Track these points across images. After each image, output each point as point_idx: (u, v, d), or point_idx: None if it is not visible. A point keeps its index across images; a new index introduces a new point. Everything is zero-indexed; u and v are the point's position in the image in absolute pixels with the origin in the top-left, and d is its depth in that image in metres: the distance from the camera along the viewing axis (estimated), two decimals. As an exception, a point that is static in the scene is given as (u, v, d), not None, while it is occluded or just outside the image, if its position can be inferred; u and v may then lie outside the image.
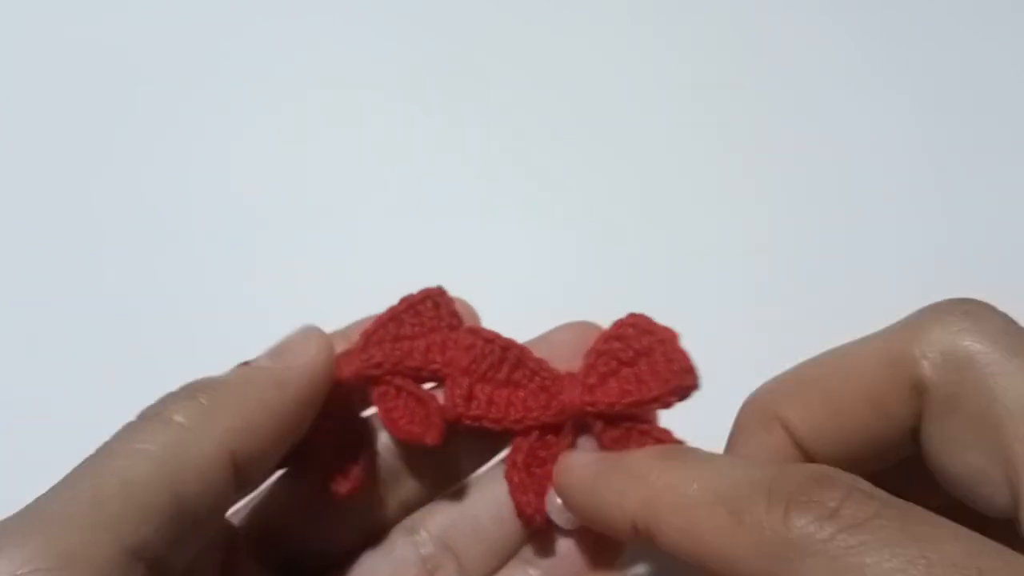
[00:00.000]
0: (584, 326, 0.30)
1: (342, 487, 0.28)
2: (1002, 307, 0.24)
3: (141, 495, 0.22)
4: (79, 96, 0.48)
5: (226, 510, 0.24)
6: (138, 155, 0.47)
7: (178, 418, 0.23)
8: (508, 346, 0.29)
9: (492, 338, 0.29)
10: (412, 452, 0.29)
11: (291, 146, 0.48)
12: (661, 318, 0.29)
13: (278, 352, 0.26)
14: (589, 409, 0.28)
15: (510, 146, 0.48)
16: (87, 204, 0.45)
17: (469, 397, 0.28)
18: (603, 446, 0.29)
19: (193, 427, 0.23)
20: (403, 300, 0.30)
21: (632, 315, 0.29)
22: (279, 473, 0.30)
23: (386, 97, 0.50)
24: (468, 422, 0.28)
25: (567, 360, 0.29)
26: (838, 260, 0.46)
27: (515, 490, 0.28)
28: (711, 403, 0.38)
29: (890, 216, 0.47)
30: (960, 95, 0.50)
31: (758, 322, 0.43)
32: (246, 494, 0.25)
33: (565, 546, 0.28)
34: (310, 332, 0.27)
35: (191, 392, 0.24)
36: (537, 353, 0.29)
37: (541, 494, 0.28)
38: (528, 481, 0.28)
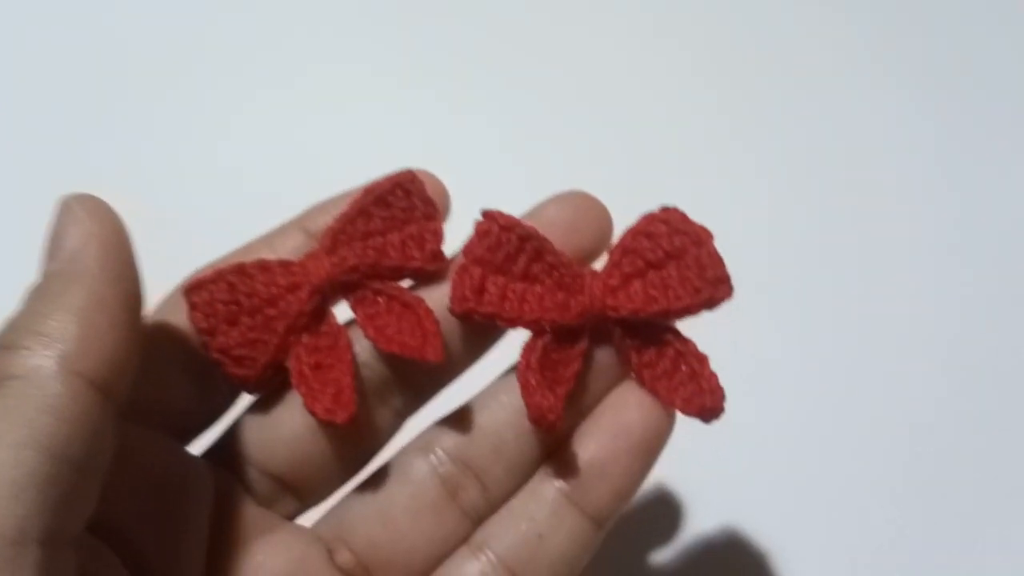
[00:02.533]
0: (578, 197, 0.27)
1: (338, 415, 0.25)
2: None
3: (5, 472, 0.19)
4: (76, 77, 0.45)
5: (112, 440, 0.21)
6: (133, 140, 0.44)
7: (13, 379, 0.20)
8: (527, 236, 0.26)
9: (511, 226, 0.26)
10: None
11: (285, 121, 0.45)
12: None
13: (53, 249, 0.22)
14: (611, 314, 0.26)
15: (512, 139, 0.45)
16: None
17: (481, 290, 0.26)
18: (625, 359, 0.26)
19: (28, 376, 0.20)
20: (368, 190, 0.27)
21: (665, 209, 0.27)
22: (254, 403, 0.27)
23: (387, 86, 0.47)
24: (478, 318, 0.26)
25: (561, 237, 0.26)
26: (847, 256, 0.44)
27: (530, 392, 0.25)
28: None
29: (900, 209, 0.45)
30: (970, 88, 0.48)
31: (763, 316, 0.41)
32: (124, 405, 0.21)
33: (589, 457, 0.26)
34: (72, 206, 0.22)
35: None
36: None
37: (556, 397, 0.25)
38: (542, 382, 0.25)
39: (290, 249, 0.27)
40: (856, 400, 0.40)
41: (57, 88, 0.45)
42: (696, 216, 0.26)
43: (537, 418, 0.25)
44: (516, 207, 0.27)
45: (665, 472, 0.35)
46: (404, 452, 0.27)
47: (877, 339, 0.41)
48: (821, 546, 0.37)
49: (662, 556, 0.36)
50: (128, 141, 0.44)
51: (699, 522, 0.37)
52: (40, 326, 0.20)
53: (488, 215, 0.26)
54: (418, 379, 0.27)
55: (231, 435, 0.26)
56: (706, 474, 0.36)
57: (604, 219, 0.27)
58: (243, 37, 0.47)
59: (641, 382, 0.26)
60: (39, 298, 0.21)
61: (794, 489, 0.38)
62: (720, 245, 0.26)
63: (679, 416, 0.26)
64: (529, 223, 0.26)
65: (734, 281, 0.26)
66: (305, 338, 0.26)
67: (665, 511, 0.37)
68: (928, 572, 0.37)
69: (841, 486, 0.38)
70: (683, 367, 0.26)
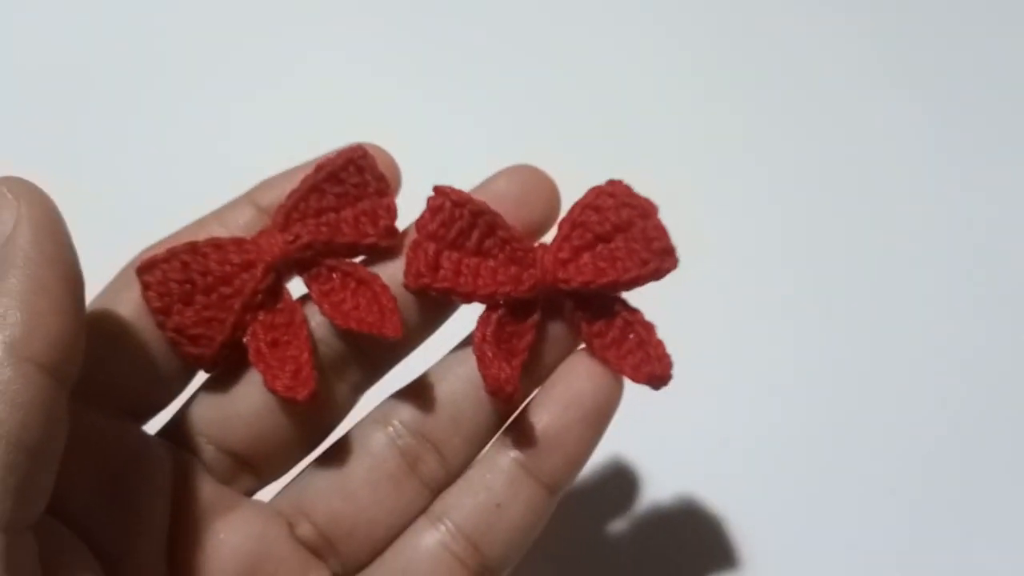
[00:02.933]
0: (525, 170, 0.27)
1: (298, 392, 0.25)
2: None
3: None
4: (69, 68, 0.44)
5: (65, 424, 0.21)
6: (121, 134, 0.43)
7: None
8: (479, 211, 0.26)
9: (463, 201, 0.26)
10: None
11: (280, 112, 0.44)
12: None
13: None
14: (562, 286, 0.27)
15: (514, 139, 0.45)
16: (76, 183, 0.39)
17: (435, 266, 0.26)
18: (576, 329, 0.27)
19: None
20: (320, 167, 0.27)
21: (611, 183, 0.27)
22: (210, 381, 0.27)
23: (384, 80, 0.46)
24: (433, 293, 0.26)
25: (510, 211, 0.27)
26: (856, 259, 0.44)
27: (487, 364, 0.25)
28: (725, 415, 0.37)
29: (908, 211, 0.45)
30: (978, 91, 0.48)
31: (772, 320, 0.42)
32: (74, 387, 0.21)
33: (543, 426, 0.26)
34: (1, 190, 0.21)
35: None
36: None
37: (514, 366, 0.26)
38: (499, 354, 0.26)
39: (241, 224, 0.27)
40: (841, 385, 0.40)
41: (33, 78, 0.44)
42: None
43: (495, 389, 0.25)
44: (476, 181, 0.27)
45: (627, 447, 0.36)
46: (362, 425, 0.27)
47: (861, 318, 0.42)
48: (786, 522, 0.38)
49: (626, 532, 0.37)
50: (107, 127, 0.43)
51: (658, 495, 0.38)
52: None
53: (440, 191, 0.26)
54: (374, 353, 0.27)
55: (188, 414, 0.26)
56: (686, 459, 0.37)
57: (552, 193, 0.27)
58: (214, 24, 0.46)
59: (591, 351, 0.27)
60: None
61: (764, 467, 0.39)
62: (665, 217, 0.27)
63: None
64: (479, 198, 0.27)
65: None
66: (261, 315, 0.26)
67: (625, 484, 0.38)
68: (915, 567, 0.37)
69: (809, 465, 0.39)
70: (631, 336, 0.27)
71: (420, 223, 0.26)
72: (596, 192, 0.27)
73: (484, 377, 0.26)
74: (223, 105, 0.44)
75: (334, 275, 0.27)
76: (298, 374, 0.25)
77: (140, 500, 0.24)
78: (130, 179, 0.42)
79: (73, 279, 0.21)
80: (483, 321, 0.26)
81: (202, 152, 0.42)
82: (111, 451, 0.24)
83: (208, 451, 0.26)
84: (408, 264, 0.26)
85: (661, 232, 0.27)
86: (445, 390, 0.27)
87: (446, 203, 0.26)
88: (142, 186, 0.42)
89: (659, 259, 0.26)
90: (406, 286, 0.26)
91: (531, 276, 0.27)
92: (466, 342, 0.27)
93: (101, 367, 0.25)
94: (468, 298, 0.26)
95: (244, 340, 0.26)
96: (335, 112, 0.42)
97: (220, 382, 0.26)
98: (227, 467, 0.26)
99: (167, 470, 0.25)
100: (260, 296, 0.26)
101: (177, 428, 0.26)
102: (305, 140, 0.28)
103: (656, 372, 0.26)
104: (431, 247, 0.26)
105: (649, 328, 0.27)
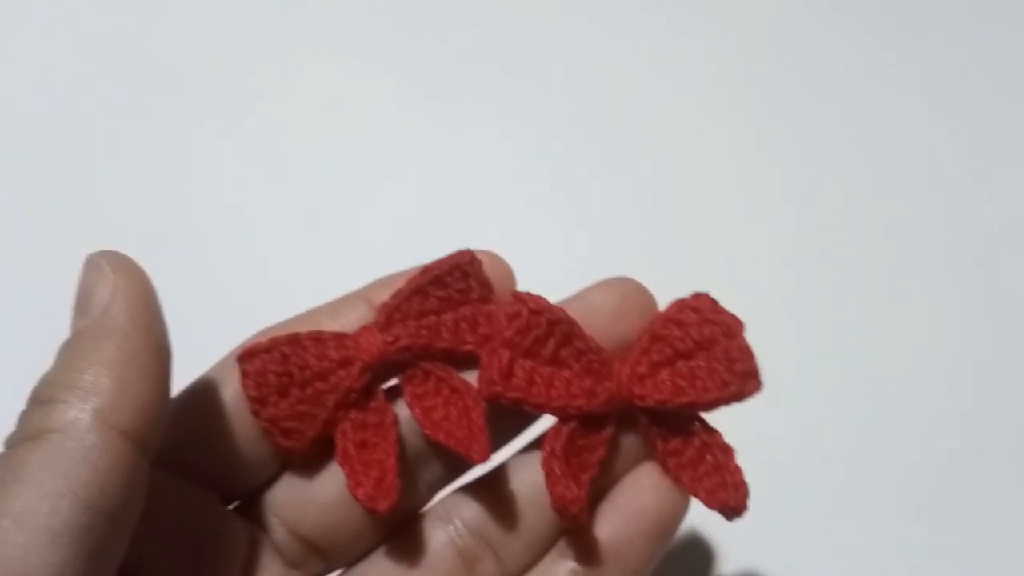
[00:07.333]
0: (625, 284, 0.27)
1: (380, 503, 0.25)
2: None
3: (43, 520, 0.20)
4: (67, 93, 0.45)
5: (144, 491, 0.22)
6: (127, 153, 0.44)
7: (52, 432, 0.21)
8: (557, 320, 0.26)
9: (540, 309, 0.26)
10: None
11: (286, 137, 0.44)
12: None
13: (83, 306, 0.23)
14: (638, 403, 0.26)
15: (525, 137, 0.45)
16: (73, 206, 0.42)
17: (508, 374, 0.26)
18: (651, 446, 0.26)
19: (65, 429, 0.21)
20: (427, 269, 0.27)
21: (697, 296, 0.26)
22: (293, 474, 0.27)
23: (389, 81, 0.46)
24: (505, 403, 0.26)
25: (606, 324, 0.26)
26: (863, 260, 0.43)
27: (554, 481, 0.25)
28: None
29: (919, 215, 0.44)
30: (990, 93, 0.47)
31: (781, 322, 0.41)
32: (155, 456, 0.22)
33: (604, 538, 0.26)
34: (98, 263, 0.22)
35: (34, 412, 0.21)
36: (572, 314, 0.26)
37: (580, 484, 0.25)
38: (567, 471, 0.25)
39: (353, 320, 0.27)
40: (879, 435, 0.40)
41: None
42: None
43: (560, 508, 0.25)
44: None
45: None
46: (425, 518, 0.27)
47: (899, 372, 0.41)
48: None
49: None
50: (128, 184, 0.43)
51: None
52: (76, 381, 0.21)
53: (518, 297, 0.26)
54: (453, 455, 0.27)
55: (267, 494, 0.27)
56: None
57: (650, 308, 0.27)
58: (245, 62, 0.46)
59: (665, 469, 0.26)
60: (73, 354, 0.22)
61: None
62: (752, 336, 0.26)
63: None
64: (561, 307, 0.26)
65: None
66: (353, 414, 0.26)
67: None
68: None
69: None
70: (708, 458, 0.26)
71: (496, 329, 0.26)
72: (679, 305, 0.26)
73: (551, 494, 0.25)
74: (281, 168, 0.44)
75: (429, 379, 0.26)
76: (381, 482, 0.25)
77: (213, 572, 0.25)
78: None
79: (163, 351, 0.22)
80: (553, 434, 0.26)
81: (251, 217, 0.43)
82: (191, 520, 0.25)
83: (280, 533, 0.27)
84: (482, 371, 0.26)
85: (745, 353, 0.26)
86: (509, 493, 0.27)
87: (523, 310, 0.26)
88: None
89: (741, 381, 0.25)
90: (479, 393, 0.26)
91: (606, 390, 0.26)
92: (537, 442, 0.27)
93: (194, 443, 0.26)
94: (540, 409, 0.26)
95: (334, 436, 0.26)
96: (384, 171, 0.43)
97: (302, 467, 0.27)
98: (297, 551, 0.27)
99: (241, 546, 0.26)
100: (354, 395, 0.26)
101: (255, 507, 0.27)
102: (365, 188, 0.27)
103: (731, 503, 0.25)
104: (505, 354, 0.26)
105: (728, 452, 0.26)
